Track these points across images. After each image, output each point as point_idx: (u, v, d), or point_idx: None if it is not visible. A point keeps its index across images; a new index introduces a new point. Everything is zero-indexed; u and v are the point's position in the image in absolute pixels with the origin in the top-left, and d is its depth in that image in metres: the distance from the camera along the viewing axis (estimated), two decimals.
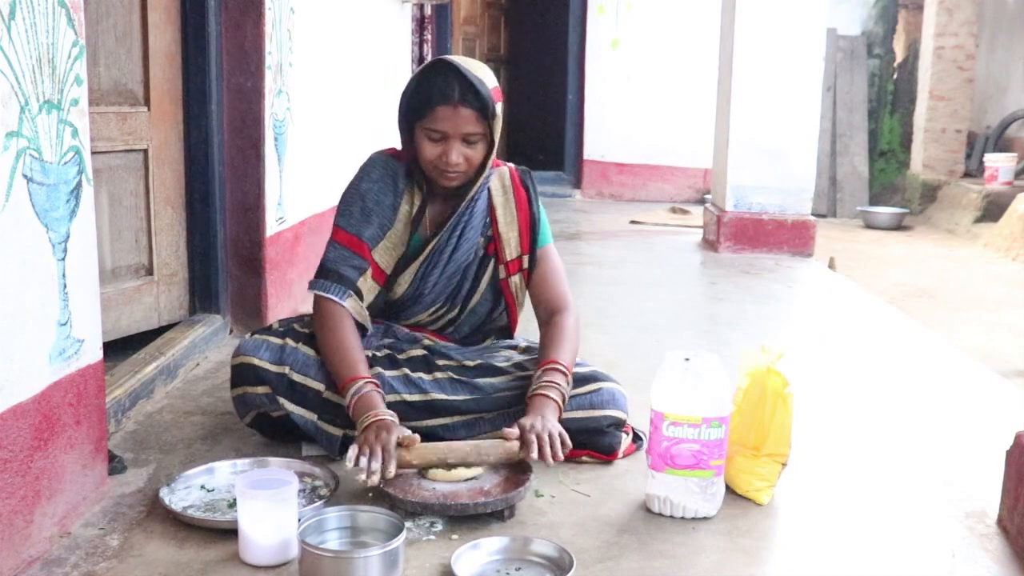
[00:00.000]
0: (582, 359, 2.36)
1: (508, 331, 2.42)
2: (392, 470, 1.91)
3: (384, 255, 2.22)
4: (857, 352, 3.49)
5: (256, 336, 2.25)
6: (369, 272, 2.19)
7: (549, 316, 2.28)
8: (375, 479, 1.89)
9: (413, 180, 2.23)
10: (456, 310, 2.33)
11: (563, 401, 2.10)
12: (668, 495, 1.96)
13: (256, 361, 2.18)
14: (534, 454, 1.95)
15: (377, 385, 2.09)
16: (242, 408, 2.25)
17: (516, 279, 2.32)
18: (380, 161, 2.26)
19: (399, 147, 2.27)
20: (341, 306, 2.14)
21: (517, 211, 2.30)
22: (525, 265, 2.31)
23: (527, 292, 2.35)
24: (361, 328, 2.18)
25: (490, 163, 2.20)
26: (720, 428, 1.93)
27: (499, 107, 2.13)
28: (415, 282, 2.26)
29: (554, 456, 1.96)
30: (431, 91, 2.08)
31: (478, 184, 2.21)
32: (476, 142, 2.11)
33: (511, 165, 2.36)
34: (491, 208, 2.29)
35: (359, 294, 2.17)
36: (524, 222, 2.30)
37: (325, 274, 2.18)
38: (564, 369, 2.15)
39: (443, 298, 2.31)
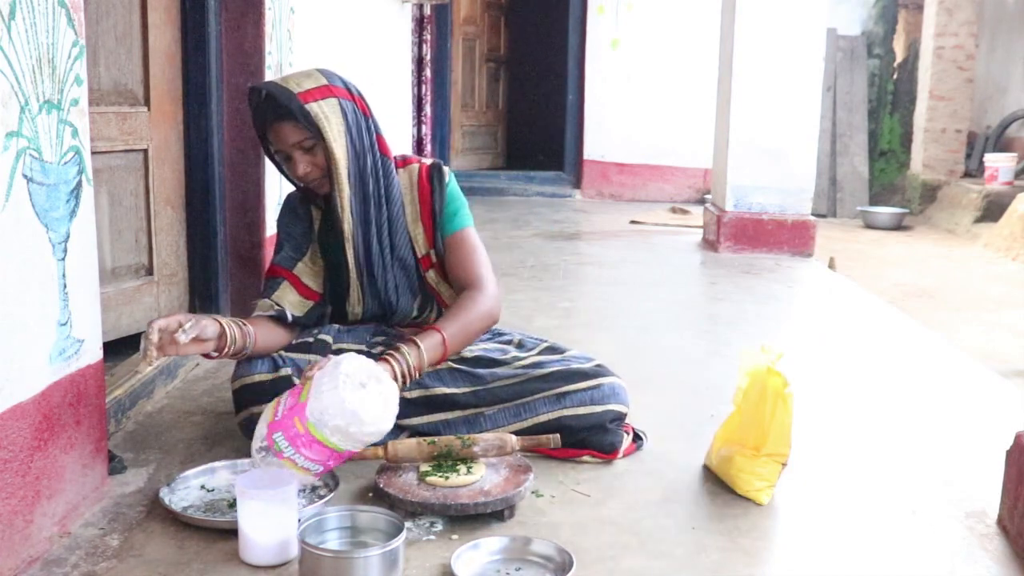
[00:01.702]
0: (584, 355, 2.35)
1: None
2: (152, 356, 1.90)
3: (312, 277, 2.29)
4: (857, 352, 3.49)
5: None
6: (288, 286, 2.27)
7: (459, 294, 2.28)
8: (152, 357, 1.90)
9: (310, 201, 2.31)
10: (435, 313, 2.35)
11: (400, 367, 2.05)
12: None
13: (257, 378, 2.18)
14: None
15: (240, 324, 2.09)
16: (249, 431, 2.24)
17: (432, 275, 2.33)
18: (287, 199, 2.38)
19: (400, 154, 2.37)
20: (257, 314, 2.23)
21: (420, 206, 2.31)
22: (434, 260, 2.32)
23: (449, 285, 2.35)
24: (289, 323, 2.23)
25: (342, 162, 2.16)
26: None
27: (318, 106, 2.11)
28: (367, 296, 2.30)
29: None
30: (256, 120, 2.16)
31: (340, 182, 2.17)
32: (312, 147, 2.15)
33: (425, 161, 2.36)
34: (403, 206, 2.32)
35: (275, 303, 2.24)
36: (427, 217, 2.30)
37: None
38: (434, 343, 2.11)
39: (412, 300, 2.33)
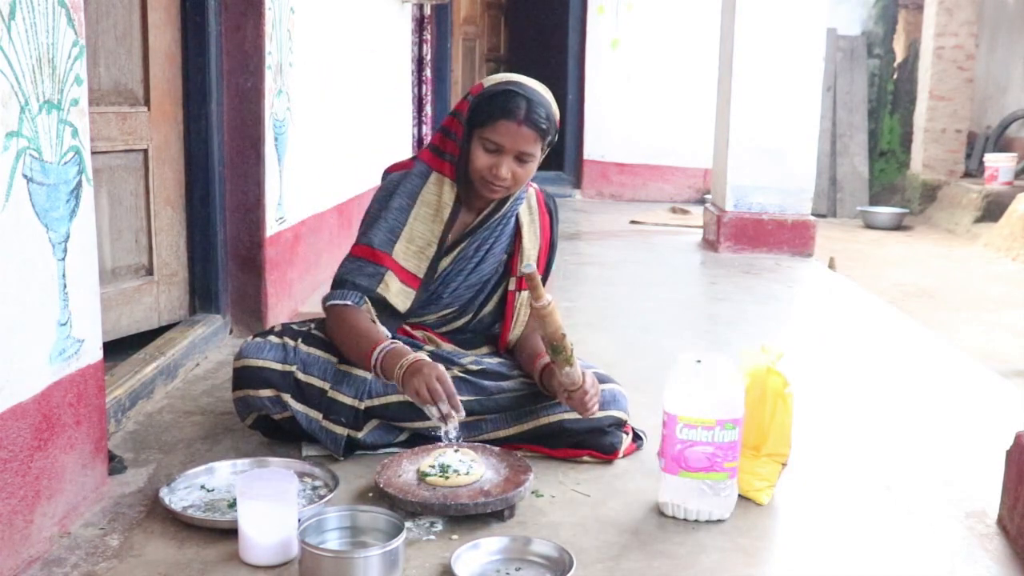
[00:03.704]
0: (583, 359, 2.36)
1: (499, 343, 2.41)
2: (462, 412, 1.97)
3: (410, 258, 2.21)
4: (857, 352, 3.49)
5: (257, 339, 2.26)
6: (392, 275, 2.19)
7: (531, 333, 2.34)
8: (453, 422, 1.96)
9: (450, 184, 2.22)
10: (467, 317, 2.35)
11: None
12: (681, 499, 1.95)
13: (261, 362, 2.19)
14: (589, 402, 2.11)
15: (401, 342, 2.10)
16: (243, 410, 2.25)
17: (525, 296, 2.33)
18: (394, 176, 2.27)
19: (403, 158, 2.32)
20: (356, 308, 2.16)
21: (540, 232, 2.35)
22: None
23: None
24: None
25: (526, 184, 2.25)
26: (734, 430, 1.92)
27: (555, 136, 2.20)
28: (434, 286, 2.29)
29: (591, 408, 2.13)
30: (498, 104, 2.11)
31: (510, 202, 2.25)
32: (527, 162, 2.15)
33: (535, 186, 2.38)
34: (517, 225, 2.32)
35: (379, 301, 2.18)
36: (544, 243, 2.35)
37: (341, 285, 2.21)
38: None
39: (458, 304, 2.33)
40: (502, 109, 2.10)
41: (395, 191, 2.23)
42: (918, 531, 1.97)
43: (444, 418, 1.95)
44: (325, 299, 2.21)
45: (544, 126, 2.12)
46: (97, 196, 2.18)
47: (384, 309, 2.21)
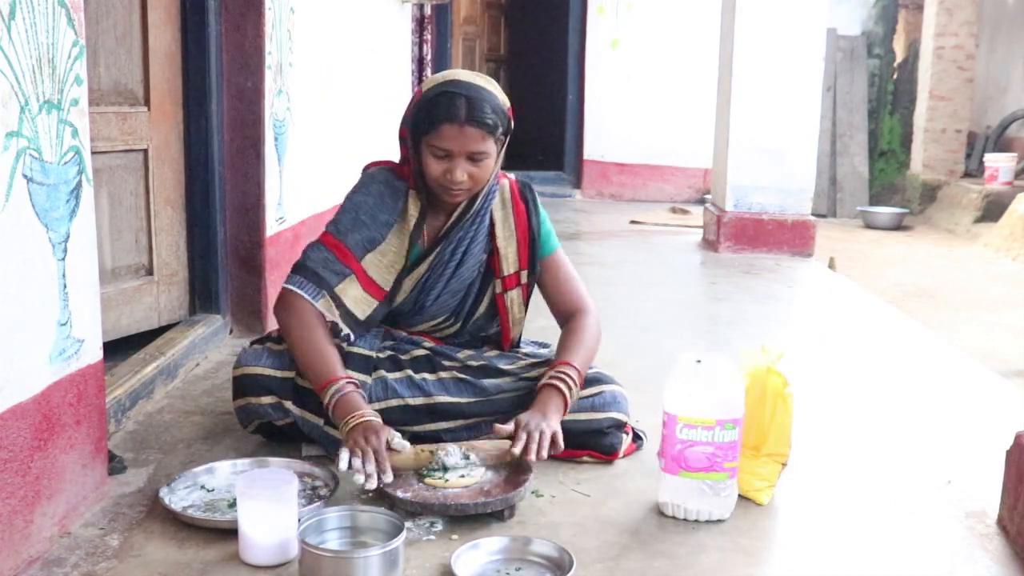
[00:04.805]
0: None
1: (501, 344, 2.39)
2: (389, 476, 1.89)
3: (381, 271, 2.18)
4: (857, 352, 3.49)
5: (255, 346, 2.25)
6: (353, 280, 2.15)
7: (567, 318, 2.29)
8: (372, 483, 1.88)
9: (413, 195, 2.19)
10: (459, 325, 2.33)
11: (569, 397, 2.11)
12: (681, 499, 1.95)
13: (260, 370, 2.18)
14: (518, 449, 1.96)
15: (357, 386, 2.06)
16: (245, 418, 2.25)
17: (513, 295, 2.30)
18: (380, 176, 2.23)
19: (397, 159, 2.27)
20: (312, 305, 2.11)
21: (516, 225, 2.28)
22: (523, 280, 2.30)
23: (526, 308, 2.34)
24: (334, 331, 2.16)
25: (493, 179, 2.19)
26: (734, 430, 1.92)
27: (509, 125, 2.13)
28: (415, 294, 2.25)
29: (538, 455, 1.97)
30: (437, 109, 2.05)
31: (480, 199, 2.20)
32: (481, 160, 2.08)
33: (511, 177, 2.33)
34: (491, 223, 2.27)
35: (336, 300, 2.13)
36: (523, 236, 2.28)
37: (302, 271, 2.15)
38: (576, 372, 2.15)
39: (446, 312, 2.29)
40: (443, 114, 2.03)
41: (383, 201, 2.19)
42: (918, 531, 1.97)
43: (366, 477, 1.88)
44: (287, 280, 2.15)
45: (490, 121, 2.04)
46: (97, 196, 2.18)
47: (349, 313, 2.15)
